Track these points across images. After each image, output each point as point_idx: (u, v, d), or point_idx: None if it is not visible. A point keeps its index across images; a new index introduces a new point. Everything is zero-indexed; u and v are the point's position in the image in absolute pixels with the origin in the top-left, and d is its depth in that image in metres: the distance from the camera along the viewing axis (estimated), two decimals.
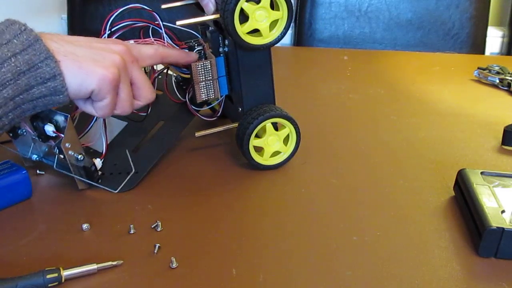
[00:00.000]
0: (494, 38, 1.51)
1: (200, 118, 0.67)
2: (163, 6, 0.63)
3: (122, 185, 0.59)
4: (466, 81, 0.99)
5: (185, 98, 0.65)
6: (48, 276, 0.45)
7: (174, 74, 0.65)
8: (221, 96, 0.65)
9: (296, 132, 0.64)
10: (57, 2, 1.51)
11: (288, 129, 0.64)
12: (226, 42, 0.62)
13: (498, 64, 0.99)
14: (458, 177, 0.59)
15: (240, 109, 0.64)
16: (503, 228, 0.49)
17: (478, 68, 0.99)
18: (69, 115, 0.55)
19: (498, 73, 0.96)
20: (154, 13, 0.59)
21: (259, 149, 0.64)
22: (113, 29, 0.58)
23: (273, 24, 0.59)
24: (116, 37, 0.58)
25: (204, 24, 0.64)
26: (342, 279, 0.48)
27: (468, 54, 1.30)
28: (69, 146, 0.55)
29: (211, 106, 0.69)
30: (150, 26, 0.60)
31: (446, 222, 0.56)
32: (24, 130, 0.59)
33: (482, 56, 1.33)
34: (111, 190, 0.59)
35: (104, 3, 1.33)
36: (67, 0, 1.36)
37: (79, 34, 0.53)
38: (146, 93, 0.56)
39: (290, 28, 0.60)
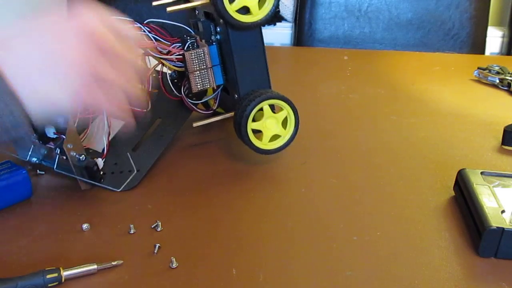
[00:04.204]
0: (494, 38, 1.51)
1: (197, 113, 0.67)
2: (154, 3, 0.63)
3: (126, 183, 0.59)
4: (466, 81, 0.99)
5: (181, 94, 0.65)
6: (48, 276, 0.45)
7: (169, 71, 0.65)
8: (216, 86, 0.65)
9: (294, 114, 0.63)
10: (57, 2, 1.51)
11: (285, 111, 0.63)
12: (218, 29, 0.62)
13: (498, 64, 0.99)
14: (458, 177, 0.59)
15: (236, 95, 0.64)
16: (503, 228, 0.49)
17: (478, 68, 0.99)
18: (70, 116, 0.55)
19: (498, 73, 0.96)
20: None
21: (258, 136, 0.63)
22: None
23: (262, 2, 0.60)
24: None
25: (194, 18, 0.65)
26: (342, 279, 0.48)
27: (468, 54, 1.30)
28: (71, 147, 0.55)
29: (206, 100, 0.69)
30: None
31: (446, 222, 0.56)
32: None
33: (482, 56, 1.33)
34: (114, 189, 0.59)
35: (104, 3, 1.33)
36: (67, 0, 1.36)
37: None
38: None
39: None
